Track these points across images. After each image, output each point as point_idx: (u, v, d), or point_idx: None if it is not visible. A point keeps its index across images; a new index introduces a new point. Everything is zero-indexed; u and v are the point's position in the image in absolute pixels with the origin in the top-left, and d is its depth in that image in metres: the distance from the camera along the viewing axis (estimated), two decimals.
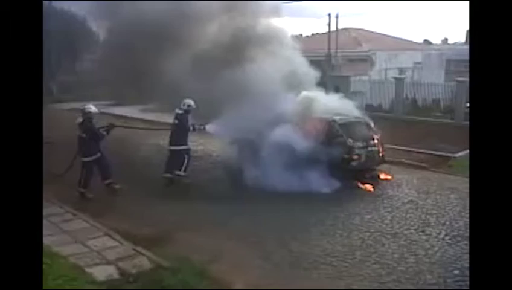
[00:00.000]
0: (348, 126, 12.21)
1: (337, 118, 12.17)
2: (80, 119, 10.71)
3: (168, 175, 11.87)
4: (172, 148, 11.89)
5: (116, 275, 6.75)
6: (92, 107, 10.72)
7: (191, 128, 11.83)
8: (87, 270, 6.81)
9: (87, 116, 10.63)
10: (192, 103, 11.69)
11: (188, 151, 11.95)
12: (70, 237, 8.11)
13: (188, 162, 11.87)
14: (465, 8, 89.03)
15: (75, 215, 9.10)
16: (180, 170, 11.76)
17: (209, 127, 12.24)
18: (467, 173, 12.62)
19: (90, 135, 10.64)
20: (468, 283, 6.74)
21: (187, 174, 11.91)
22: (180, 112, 11.77)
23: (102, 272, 6.77)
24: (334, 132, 11.86)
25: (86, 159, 10.74)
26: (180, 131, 11.81)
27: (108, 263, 7.13)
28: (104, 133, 10.97)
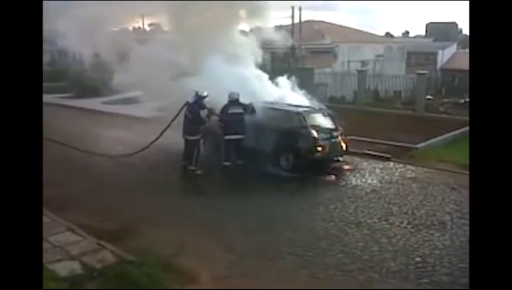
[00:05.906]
0: (312, 118, 12.31)
1: (301, 109, 12.27)
2: (191, 100, 11.38)
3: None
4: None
5: (79, 271, 6.62)
6: (205, 92, 11.32)
7: None
8: (49, 266, 6.64)
9: (200, 99, 11.33)
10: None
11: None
12: None
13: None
14: (425, 2, 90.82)
15: None
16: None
17: None
18: (428, 163, 13.10)
19: (194, 116, 11.37)
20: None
21: None
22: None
23: (65, 268, 6.63)
24: (298, 124, 11.94)
25: (190, 138, 11.48)
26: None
27: (72, 258, 7.00)
28: (206, 119, 11.58)
